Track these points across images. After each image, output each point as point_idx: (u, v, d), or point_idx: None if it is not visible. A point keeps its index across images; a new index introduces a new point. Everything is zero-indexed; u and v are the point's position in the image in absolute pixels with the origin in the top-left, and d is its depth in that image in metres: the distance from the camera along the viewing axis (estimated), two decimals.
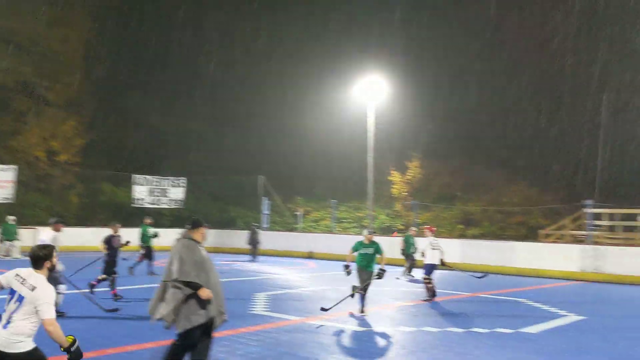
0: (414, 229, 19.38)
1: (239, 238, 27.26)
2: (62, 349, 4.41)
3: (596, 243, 20.59)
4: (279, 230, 32.76)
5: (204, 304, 5.56)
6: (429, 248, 13.02)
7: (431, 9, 38.44)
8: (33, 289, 4.39)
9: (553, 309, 11.73)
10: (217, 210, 36.29)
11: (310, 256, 26.25)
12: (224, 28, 42.51)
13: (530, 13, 36.17)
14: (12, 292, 4.47)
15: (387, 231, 32.34)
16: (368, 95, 27.45)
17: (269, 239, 27.08)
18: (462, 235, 29.25)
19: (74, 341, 4.45)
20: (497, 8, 35.80)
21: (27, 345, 4.36)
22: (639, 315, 11.94)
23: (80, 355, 4.46)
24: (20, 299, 4.38)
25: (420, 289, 13.25)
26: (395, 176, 35.72)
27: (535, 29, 35.48)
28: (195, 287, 5.53)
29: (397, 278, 17.39)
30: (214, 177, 36.43)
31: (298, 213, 32.54)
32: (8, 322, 4.37)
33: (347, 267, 10.69)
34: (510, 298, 13.61)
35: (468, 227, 30.87)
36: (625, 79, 31.66)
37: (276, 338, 8.37)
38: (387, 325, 9.65)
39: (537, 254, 20.46)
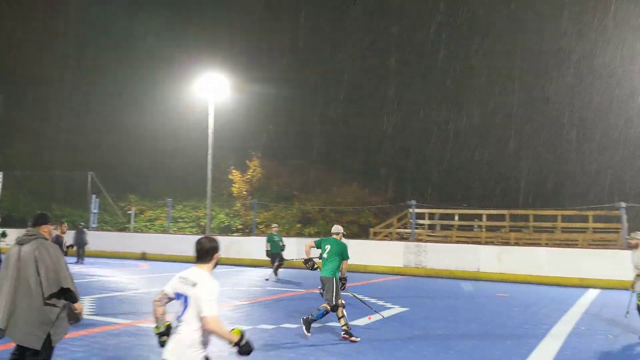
0: (275, 226, 18.41)
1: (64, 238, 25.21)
2: (231, 346, 3.97)
3: (418, 240, 22.34)
4: (109, 230, 30.95)
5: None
6: None
7: (279, 10, 39.06)
8: (194, 285, 4.00)
9: (380, 302, 12.46)
10: (40, 209, 33.19)
11: (143, 257, 25.12)
12: (53, 17, 39.37)
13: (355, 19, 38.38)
14: (179, 296, 4.10)
15: (225, 231, 32.10)
16: (209, 93, 27.03)
17: (97, 239, 25.45)
18: (299, 234, 29.96)
19: (242, 335, 4.01)
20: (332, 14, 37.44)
21: (198, 356, 3.95)
22: (454, 305, 13.12)
23: (251, 349, 4.01)
24: (185, 300, 4.02)
25: (255, 288, 13.30)
26: (235, 175, 35.60)
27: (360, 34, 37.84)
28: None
29: (266, 279, 16.92)
30: (37, 172, 33.41)
31: (131, 212, 30.97)
32: (176, 330, 4.02)
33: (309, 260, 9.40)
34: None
35: (305, 225, 31.74)
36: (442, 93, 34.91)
37: (102, 342, 7.84)
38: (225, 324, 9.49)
39: (367, 251, 21.66)
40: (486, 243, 22.96)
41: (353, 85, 37.78)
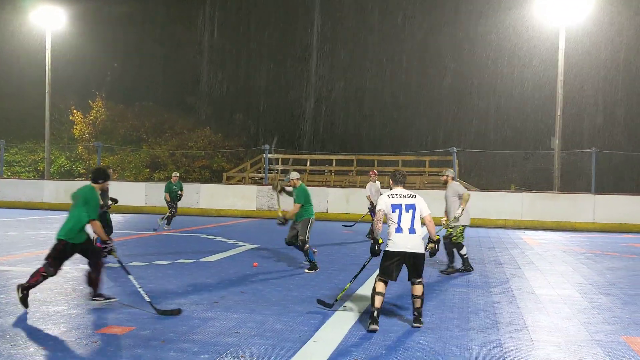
0: (176, 174, 16.15)
1: None
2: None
3: (271, 184, 22.76)
4: None
5: None
6: None
7: None
8: (414, 196, 6.02)
9: (232, 241, 12.65)
10: None
11: None
12: None
13: None
14: (397, 206, 5.90)
15: (66, 175, 30.12)
16: (45, 24, 24.69)
17: None
18: (148, 179, 29.01)
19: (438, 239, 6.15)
20: None
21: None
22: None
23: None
24: (413, 207, 5.90)
25: None
26: (76, 116, 33.14)
27: None
28: None
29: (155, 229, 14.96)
30: None
31: None
32: (413, 229, 5.85)
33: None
34: (194, 235, 14.19)
35: (155, 170, 30.76)
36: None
37: None
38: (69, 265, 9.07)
39: (221, 195, 21.67)
40: (334, 186, 24.05)
41: (205, 27, 36.62)
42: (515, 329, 6.02)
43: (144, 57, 35.25)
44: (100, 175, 6.80)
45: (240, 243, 12.33)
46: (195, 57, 36.41)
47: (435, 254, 6.29)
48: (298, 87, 35.24)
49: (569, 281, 8.91)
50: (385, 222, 6.03)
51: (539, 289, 8.03)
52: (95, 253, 6.59)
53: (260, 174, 26.11)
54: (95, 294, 6.57)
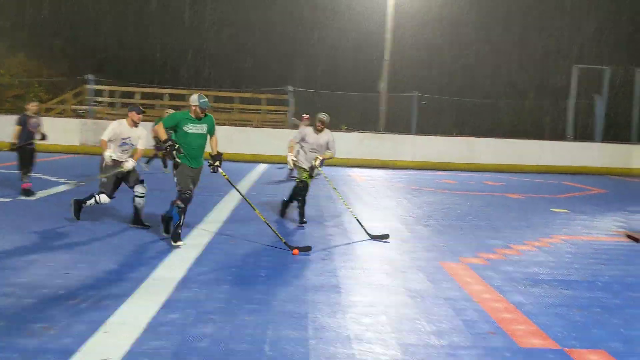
0: (34, 105, 13.14)
1: None
2: None
3: (97, 118, 21.22)
4: None
5: None
6: None
7: None
8: None
9: (54, 179, 11.70)
10: None
11: None
12: None
13: None
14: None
15: None
16: None
17: None
18: None
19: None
20: None
21: None
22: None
23: None
24: None
25: None
26: None
27: None
28: None
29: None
30: None
31: None
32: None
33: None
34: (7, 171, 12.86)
35: None
36: None
37: None
38: None
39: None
40: None
41: None
42: (349, 258, 6.44)
43: None
44: None
45: (63, 181, 11.43)
46: None
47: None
48: (128, 13, 32.74)
49: (394, 214, 9.69)
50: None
51: (368, 221, 8.61)
52: None
53: (83, 107, 24.15)
54: None
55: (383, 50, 21.95)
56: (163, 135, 6.64)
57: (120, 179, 7.52)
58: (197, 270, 5.62)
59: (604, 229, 9.01)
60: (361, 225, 7.72)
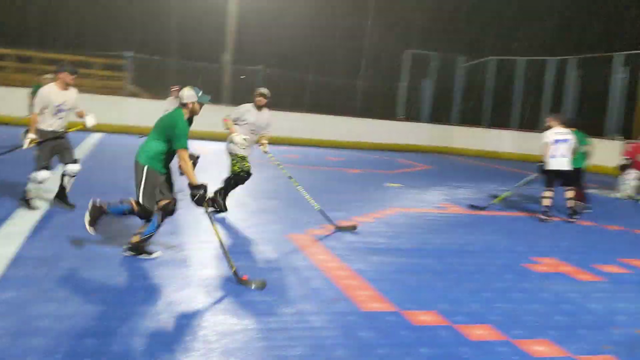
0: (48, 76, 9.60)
1: None
2: None
3: None
4: None
5: None
6: None
7: None
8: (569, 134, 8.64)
9: None
10: None
11: None
12: None
13: None
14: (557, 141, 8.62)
15: None
16: None
17: None
18: None
19: None
20: None
21: None
22: None
23: None
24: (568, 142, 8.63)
25: None
26: None
27: None
28: None
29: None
30: None
31: None
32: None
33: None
34: None
35: None
36: None
37: None
38: None
39: None
40: None
41: None
42: (196, 233, 6.39)
43: None
44: None
45: None
46: None
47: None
48: None
49: (241, 187, 9.73)
50: None
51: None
52: None
53: None
54: None
55: (228, 20, 21.62)
56: (194, 178, 5.05)
57: (54, 153, 6.67)
58: (33, 245, 5.23)
59: (432, 201, 9.92)
60: (326, 217, 7.07)
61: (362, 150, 20.13)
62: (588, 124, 19.99)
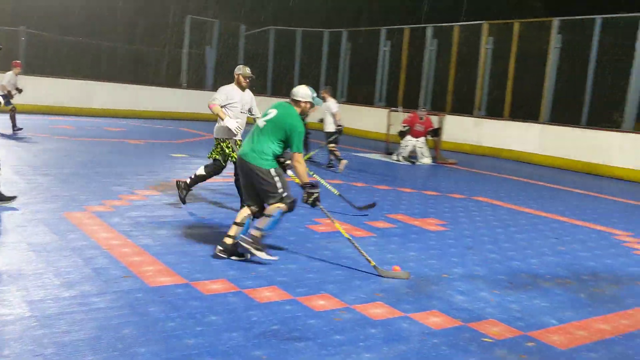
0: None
1: None
2: None
3: None
4: None
5: None
6: None
7: None
8: None
9: None
10: None
11: None
12: None
13: None
14: None
15: None
16: None
17: None
18: None
19: None
20: None
21: None
22: None
23: None
24: None
25: None
26: None
27: None
28: None
29: None
30: None
31: None
32: None
33: None
34: None
35: None
36: None
37: None
38: None
39: None
40: None
41: None
42: None
43: None
44: None
45: None
46: None
47: None
48: None
49: (5, 164, 8.70)
50: None
51: None
52: None
53: None
54: None
55: None
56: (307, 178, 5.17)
57: None
58: None
59: None
60: (346, 200, 7.50)
61: (144, 119, 19.30)
62: (359, 92, 21.81)
